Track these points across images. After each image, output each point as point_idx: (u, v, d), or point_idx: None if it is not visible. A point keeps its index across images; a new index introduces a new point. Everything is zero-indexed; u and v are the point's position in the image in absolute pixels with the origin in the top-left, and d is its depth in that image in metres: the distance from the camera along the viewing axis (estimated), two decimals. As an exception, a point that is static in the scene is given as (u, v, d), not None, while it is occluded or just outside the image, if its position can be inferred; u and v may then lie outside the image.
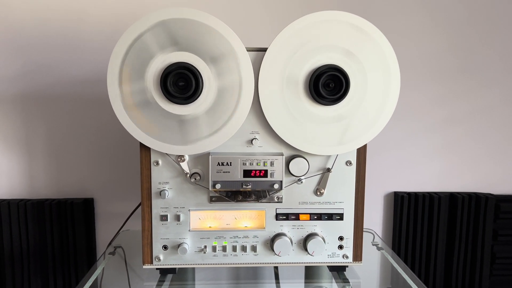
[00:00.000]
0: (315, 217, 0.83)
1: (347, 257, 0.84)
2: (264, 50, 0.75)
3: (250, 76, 0.75)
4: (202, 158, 0.79)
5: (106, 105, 0.75)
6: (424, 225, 1.28)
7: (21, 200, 1.21)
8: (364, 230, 0.85)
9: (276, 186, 0.78)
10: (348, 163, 0.81)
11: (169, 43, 0.73)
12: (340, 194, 0.82)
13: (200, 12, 0.73)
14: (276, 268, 0.99)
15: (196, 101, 0.74)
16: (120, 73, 0.73)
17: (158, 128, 0.76)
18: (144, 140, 0.76)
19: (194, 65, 0.73)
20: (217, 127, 0.76)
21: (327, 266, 0.88)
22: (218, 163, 0.77)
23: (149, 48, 0.73)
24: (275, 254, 0.82)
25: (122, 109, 0.74)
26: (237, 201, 0.80)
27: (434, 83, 1.26)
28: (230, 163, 0.77)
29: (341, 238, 0.84)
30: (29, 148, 1.23)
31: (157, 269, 0.85)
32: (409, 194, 1.28)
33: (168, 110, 0.75)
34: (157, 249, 0.82)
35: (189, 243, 0.82)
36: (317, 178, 0.82)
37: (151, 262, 0.82)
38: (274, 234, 0.83)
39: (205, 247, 0.82)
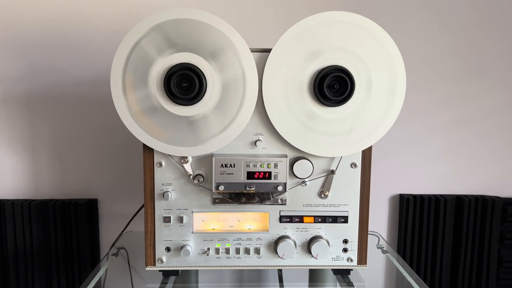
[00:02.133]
0: (319, 219, 0.82)
1: (351, 260, 0.83)
2: (268, 51, 0.75)
3: (254, 77, 0.74)
4: (205, 160, 0.79)
5: (110, 106, 0.75)
6: (430, 228, 1.26)
7: (25, 200, 1.22)
8: (369, 233, 0.84)
9: (280, 188, 0.77)
10: (353, 165, 0.81)
11: (170, 45, 0.72)
12: (344, 197, 0.82)
13: (203, 12, 0.72)
14: (280, 270, 0.98)
15: (200, 102, 0.74)
16: (123, 78, 0.73)
17: (162, 130, 0.75)
18: (147, 141, 0.76)
19: (197, 66, 0.73)
20: (220, 128, 0.76)
21: (332, 269, 0.87)
22: (222, 164, 0.76)
23: (151, 52, 0.73)
24: (279, 256, 0.81)
25: (126, 110, 0.74)
26: (241, 203, 0.80)
27: (441, 85, 1.25)
28: (234, 164, 0.77)
29: (345, 241, 0.83)
30: (34, 148, 1.23)
31: (160, 271, 0.84)
32: (414, 196, 1.27)
33: (172, 112, 0.74)
34: (160, 251, 0.81)
35: (192, 245, 0.81)
36: (321, 180, 0.81)
37: (154, 264, 0.82)
38: (277, 236, 0.82)
39: (208, 249, 0.82)
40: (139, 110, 0.74)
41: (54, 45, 1.19)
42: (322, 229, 0.82)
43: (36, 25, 1.18)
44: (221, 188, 0.77)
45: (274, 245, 0.82)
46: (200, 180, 0.79)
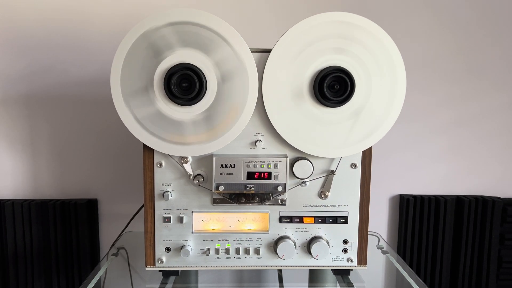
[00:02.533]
0: (319, 220, 0.82)
1: (351, 260, 0.83)
2: (268, 51, 0.75)
3: (254, 77, 0.74)
4: (205, 160, 0.79)
5: (110, 106, 0.75)
6: (430, 228, 1.26)
7: (25, 200, 1.22)
8: (369, 233, 0.84)
9: (280, 188, 0.77)
10: (353, 165, 0.81)
11: (170, 44, 0.72)
12: (344, 197, 0.82)
13: (204, 12, 0.72)
14: (280, 271, 0.98)
15: (200, 102, 0.74)
16: (123, 72, 0.73)
17: (161, 129, 0.75)
18: (147, 141, 0.76)
19: (197, 66, 0.73)
20: (220, 129, 0.76)
21: (331, 269, 0.87)
22: (222, 165, 0.76)
23: (151, 50, 0.73)
24: (279, 257, 0.81)
25: (126, 110, 0.74)
26: (241, 203, 0.80)
27: (441, 85, 1.25)
28: (234, 165, 0.77)
29: (345, 242, 0.83)
30: (33, 148, 1.23)
31: (159, 271, 0.84)
32: (415, 197, 1.27)
33: (171, 112, 0.74)
34: (159, 251, 0.81)
35: (192, 245, 0.81)
36: (321, 180, 0.81)
37: (154, 264, 0.82)
38: (277, 237, 0.82)
39: (208, 249, 0.82)
40: (137, 106, 0.74)
41: (54, 45, 1.19)
42: (322, 229, 0.82)
43: (36, 24, 1.18)
44: (221, 188, 0.77)
45: (274, 246, 0.82)
46: (200, 180, 0.79)
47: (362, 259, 0.83)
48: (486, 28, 1.23)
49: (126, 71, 0.73)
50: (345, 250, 0.83)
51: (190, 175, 0.79)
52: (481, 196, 1.27)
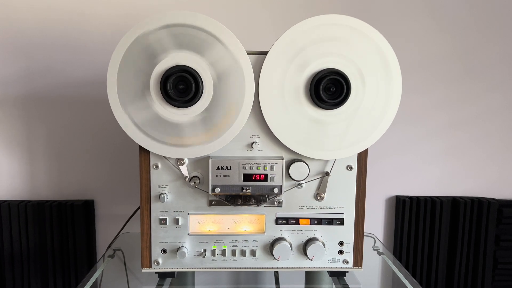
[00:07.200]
0: (315, 221, 0.82)
1: (347, 262, 0.83)
2: (265, 53, 0.75)
3: (250, 79, 0.74)
4: (201, 162, 0.79)
5: (107, 107, 0.75)
6: (426, 229, 1.27)
7: (22, 201, 1.21)
8: (365, 234, 0.84)
9: (276, 190, 0.78)
10: (349, 167, 0.81)
11: (167, 47, 0.73)
12: (340, 199, 0.82)
13: (201, 15, 0.72)
14: (276, 272, 0.98)
15: (196, 104, 0.74)
16: (120, 75, 0.73)
17: (158, 131, 0.75)
18: (144, 143, 0.76)
19: (194, 68, 0.73)
20: (217, 131, 0.76)
21: (327, 271, 0.87)
22: (218, 166, 0.77)
23: (146, 53, 0.73)
24: (275, 258, 0.81)
25: (122, 113, 0.74)
26: (237, 205, 0.80)
27: (438, 87, 1.25)
28: (230, 167, 0.77)
29: (341, 243, 0.83)
30: (30, 149, 1.23)
31: (156, 272, 0.84)
32: (411, 198, 1.27)
33: (168, 114, 0.74)
34: (156, 253, 0.81)
35: (188, 247, 0.81)
36: (317, 182, 0.81)
37: (150, 266, 0.82)
38: (273, 238, 0.82)
39: (204, 251, 0.82)
40: (134, 108, 0.74)
41: (52, 46, 1.19)
42: (318, 231, 0.82)
43: (34, 25, 1.17)
44: (217, 190, 0.77)
45: (270, 247, 0.82)
46: (196, 182, 0.79)
47: (357, 261, 0.84)
48: (483, 30, 1.24)
49: (122, 74, 0.73)
50: (341, 252, 0.83)
51: (186, 177, 0.79)
52: (477, 198, 1.27)
